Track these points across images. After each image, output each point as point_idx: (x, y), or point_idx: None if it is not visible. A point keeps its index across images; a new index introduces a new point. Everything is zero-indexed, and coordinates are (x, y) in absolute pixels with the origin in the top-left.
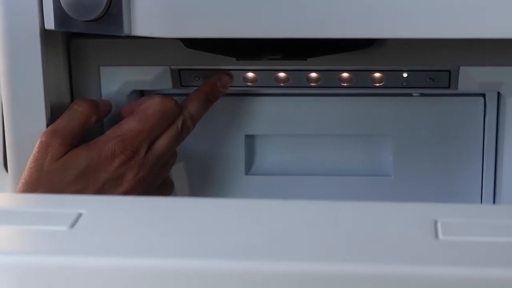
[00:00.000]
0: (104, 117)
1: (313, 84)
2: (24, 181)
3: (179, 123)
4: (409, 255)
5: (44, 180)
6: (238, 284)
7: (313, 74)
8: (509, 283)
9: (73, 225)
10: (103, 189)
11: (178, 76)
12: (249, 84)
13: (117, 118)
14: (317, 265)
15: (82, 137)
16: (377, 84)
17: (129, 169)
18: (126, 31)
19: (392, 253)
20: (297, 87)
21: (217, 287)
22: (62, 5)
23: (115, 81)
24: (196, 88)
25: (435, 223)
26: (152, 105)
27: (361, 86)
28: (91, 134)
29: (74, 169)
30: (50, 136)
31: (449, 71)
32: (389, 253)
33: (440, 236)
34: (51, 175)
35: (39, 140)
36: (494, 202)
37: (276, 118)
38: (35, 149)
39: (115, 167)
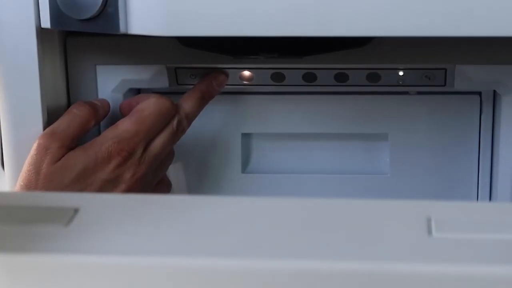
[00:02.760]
0: (103, 119)
1: (309, 83)
2: (22, 183)
3: (174, 123)
4: (402, 252)
5: (42, 183)
6: (235, 282)
7: (309, 72)
8: (503, 280)
9: (69, 222)
10: (100, 191)
11: (175, 75)
12: (245, 82)
13: (115, 114)
14: (312, 262)
15: (81, 140)
16: (373, 82)
17: (126, 170)
18: (122, 30)
19: (386, 250)
20: (293, 85)
21: (214, 285)
22: (58, 4)
23: (111, 79)
24: (192, 86)
25: (429, 220)
26: (148, 106)
27: (357, 85)
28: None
29: (71, 171)
30: (48, 139)
31: (445, 69)
32: (383, 250)
33: (434, 233)
34: (49, 178)
35: (36, 142)
36: (490, 199)
37: (273, 116)
38: (32, 151)
39: (111, 168)
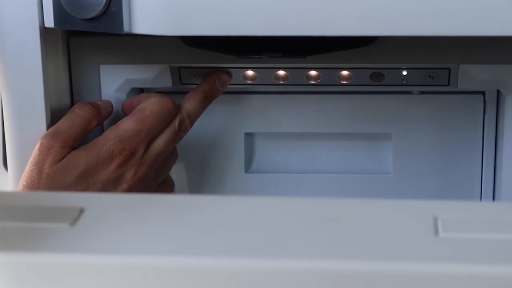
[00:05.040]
0: (106, 119)
1: (312, 82)
2: (24, 183)
3: (176, 122)
4: (409, 252)
5: (45, 183)
6: (238, 281)
7: (313, 72)
8: (509, 280)
9: (74, 222)
10: (102, 191)
11: (178, 74)
12: (248, 82)
13: (118, 114)
14: (317, 262)
15: (83, 140)
16: (377, 82)
17: (128, 170)
18: (126, 29)
19: (393, 250)
20: (297, 85)
21: (218, 284)
22: (62, 3)
23: (114, 79)
24: (195, 86)
25: (435, 220)
26: (150, 105)
27: (361, 84)
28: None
29: (73, 171)
30: (51, 139)
31: (449, 69)
32: (390, 250)
33: (441, 233)
34: (52, 178)
35: (39, 142)
36: (493, 199)
37: (276, 116)
38: (35, 151)
39: (113, 168)
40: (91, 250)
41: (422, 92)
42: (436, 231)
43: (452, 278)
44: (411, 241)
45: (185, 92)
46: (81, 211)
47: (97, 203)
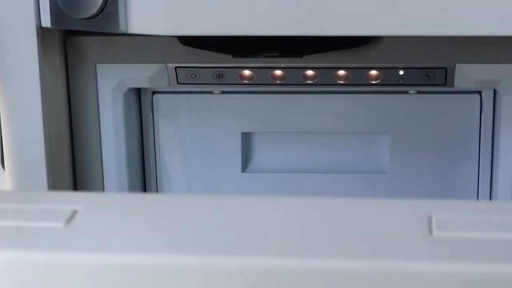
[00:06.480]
0: None
1: (309, 82)
2: None
3: None
4: (403, 251)
5: None
6: (233, 279)
7: (309, 72)
8: (502, 278)
9: (68, 221)
10: None
11: (175, 74)
12: (245, 81)
13: (116, 115)
14: (312, 260)
15: None
16: (374, 82)
17: None
18: (122, 29)
19: (387, 249)
20: (294, 84)
21: (212, 282)
22: (59, 3)
23: (111, 79)
24: (192, 85)
25: (429, 219)
26: None
27: (358, 84)
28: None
29: None
30: None
31: (445, 69)
32: (384, 249)
33: (434, 232)
34: None
35: None
36: (490, 198)
37: (273, 115)
38: None
39: None
40: (85, 248)
41: (419, 92)
42: (430, 230)
43: (446, 276)
44: (405, 240)
45: (182, 92)
46: (75, 210)
47: (91, 202)
